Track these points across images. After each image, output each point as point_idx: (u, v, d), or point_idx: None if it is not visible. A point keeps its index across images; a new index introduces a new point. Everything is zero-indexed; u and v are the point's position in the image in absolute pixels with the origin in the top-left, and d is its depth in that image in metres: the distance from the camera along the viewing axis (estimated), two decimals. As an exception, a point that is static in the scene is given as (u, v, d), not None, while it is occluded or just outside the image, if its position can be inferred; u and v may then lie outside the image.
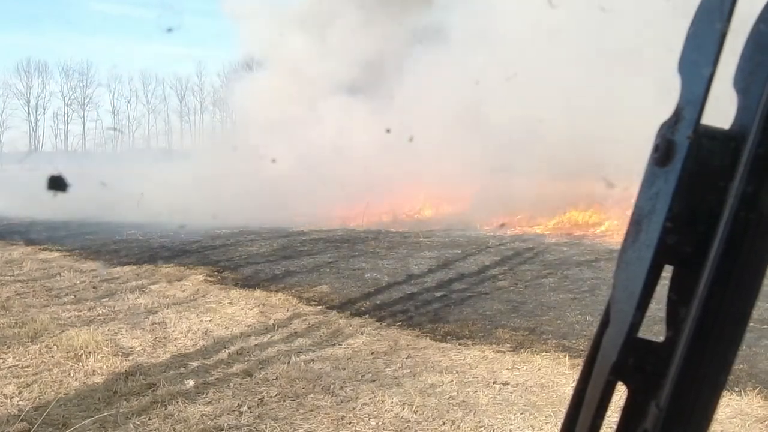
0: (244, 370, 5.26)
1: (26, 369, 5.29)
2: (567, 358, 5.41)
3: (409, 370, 5.26)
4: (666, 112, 0.53)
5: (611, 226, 13.89)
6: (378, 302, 7.72)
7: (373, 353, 5.72)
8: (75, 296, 8.20)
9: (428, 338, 6.19)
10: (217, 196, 17.43)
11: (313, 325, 6.61)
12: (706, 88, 0.51)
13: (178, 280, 9.04)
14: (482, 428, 4.15)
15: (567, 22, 13.98)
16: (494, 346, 5.91)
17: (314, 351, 5.77)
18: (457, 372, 5.19)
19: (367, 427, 4.21)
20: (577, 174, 14.31)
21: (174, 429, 4.13)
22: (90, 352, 5.59)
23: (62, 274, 9.68)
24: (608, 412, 0.56)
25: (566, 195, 15.07)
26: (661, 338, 0.53)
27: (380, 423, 4.24)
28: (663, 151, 0.52)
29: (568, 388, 4.66)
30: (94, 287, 8.73)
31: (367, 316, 7.08)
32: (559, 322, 6.71)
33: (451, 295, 8.02)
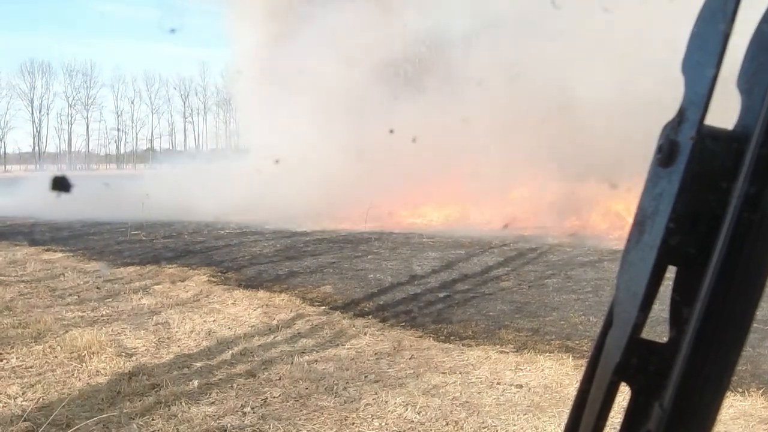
0: (247, 370, 5.26)
1: (30, 369, 5.31)
2: (570, 358, 5.40)
3: (412, 371, 5.25)
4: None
5: None
6: (381, 303, 7.72)
7: (376, 354, 5.72)
8: (78, 297, 8.22)
9: (432, 339, 6.19)
10: (220, 196, 17.43)
11: (316, 325, 6.61)
12: (709, 89, 0.51)
13: (182, 281, 9.05)
14: (486, 429, 4.14)
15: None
16: (498, 346, 5.90)
17: (318, 351, 5.77)
18: (460, 373, 5.18)
19: (370, 427, 4.21)
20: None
21: (177, 429, 4.14)
22: (93, 353, 5.61)
23: (66, 274, 9.70)
24: (611, 413, 0.56)
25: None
26: (664, 339, 0.53)
27: (384, 424, 4.24)
28: (666, 152, 0.52)
29: (571, 389, 4.65)
30: (97, 288, 8.74)
31: (370, 316, 7.08)
32: (562, 322, 6.70)
33: (454, 296, 8.02)
